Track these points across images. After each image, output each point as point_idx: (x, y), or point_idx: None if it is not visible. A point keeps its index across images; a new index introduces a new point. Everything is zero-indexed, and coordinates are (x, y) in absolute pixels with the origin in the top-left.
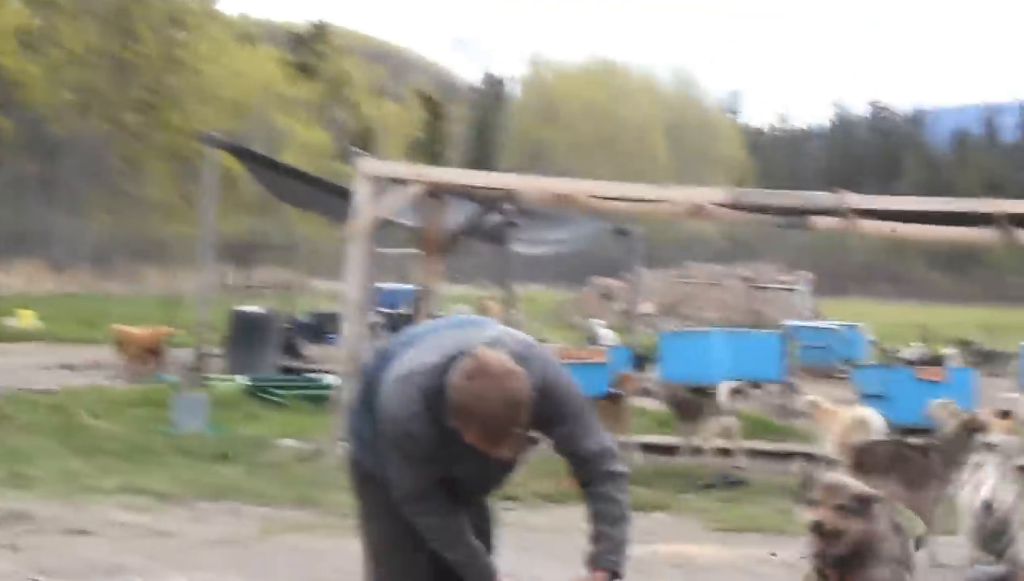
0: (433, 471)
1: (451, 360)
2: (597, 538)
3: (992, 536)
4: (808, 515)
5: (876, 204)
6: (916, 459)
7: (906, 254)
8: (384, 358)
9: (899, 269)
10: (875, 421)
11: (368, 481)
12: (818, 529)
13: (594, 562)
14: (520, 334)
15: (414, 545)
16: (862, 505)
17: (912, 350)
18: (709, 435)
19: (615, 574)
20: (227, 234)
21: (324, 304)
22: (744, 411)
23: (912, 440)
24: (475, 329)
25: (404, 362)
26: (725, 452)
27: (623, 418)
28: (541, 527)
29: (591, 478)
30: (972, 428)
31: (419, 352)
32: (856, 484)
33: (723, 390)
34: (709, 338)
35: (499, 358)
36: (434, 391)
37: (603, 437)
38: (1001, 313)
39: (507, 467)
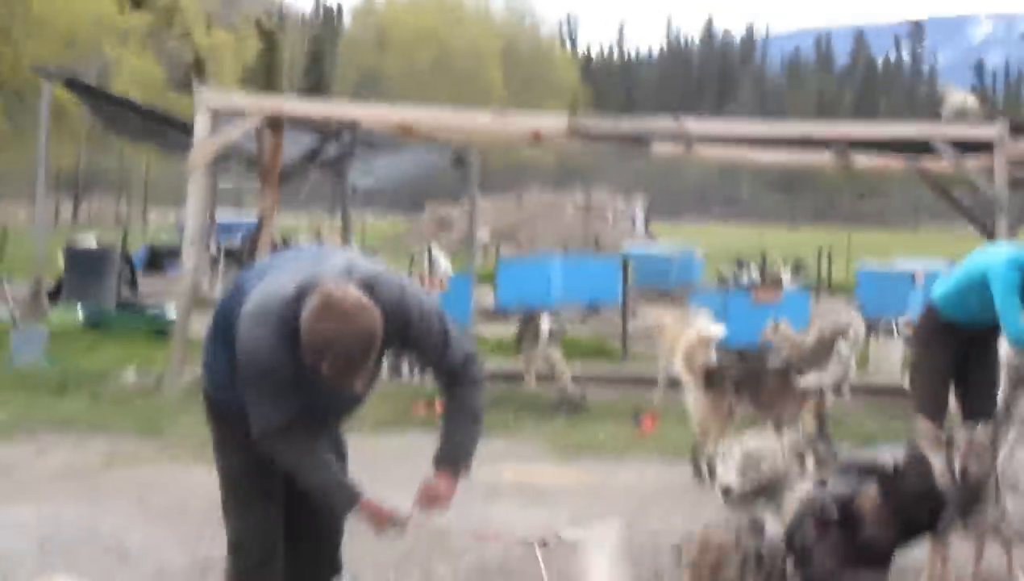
0: (293, 402)
1: (302, 292)
2: (443, 439)
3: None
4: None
5: (716, 129)
6: (770, 377)
7: (740, 176)
8: (237, 292)
9: (733, 191)
10: (718, 335)
11: (223, 414)
12: None
13: (437, 461)
14: (368, 261)
15: (270, 475)
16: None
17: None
18: (531, 362)
19: (456, 472)
20: (60, 166)
21: (160, 236)
22: (583, 336)
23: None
24: (325, 259)
25: (257, 296)
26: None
27: None
28: (383, 453)
29: (451, 384)
30: (829, 343)
31: (271, 285)
32: (716, 535)
33: (545, 321)
34: (546, 264)
35: (348, 294)
36: (288, 324)
37: (463, 346)
38: (833, 234)
39: (360, 396)
